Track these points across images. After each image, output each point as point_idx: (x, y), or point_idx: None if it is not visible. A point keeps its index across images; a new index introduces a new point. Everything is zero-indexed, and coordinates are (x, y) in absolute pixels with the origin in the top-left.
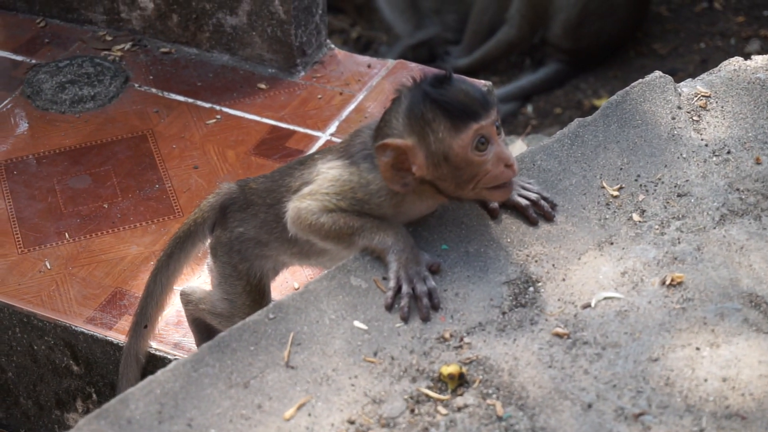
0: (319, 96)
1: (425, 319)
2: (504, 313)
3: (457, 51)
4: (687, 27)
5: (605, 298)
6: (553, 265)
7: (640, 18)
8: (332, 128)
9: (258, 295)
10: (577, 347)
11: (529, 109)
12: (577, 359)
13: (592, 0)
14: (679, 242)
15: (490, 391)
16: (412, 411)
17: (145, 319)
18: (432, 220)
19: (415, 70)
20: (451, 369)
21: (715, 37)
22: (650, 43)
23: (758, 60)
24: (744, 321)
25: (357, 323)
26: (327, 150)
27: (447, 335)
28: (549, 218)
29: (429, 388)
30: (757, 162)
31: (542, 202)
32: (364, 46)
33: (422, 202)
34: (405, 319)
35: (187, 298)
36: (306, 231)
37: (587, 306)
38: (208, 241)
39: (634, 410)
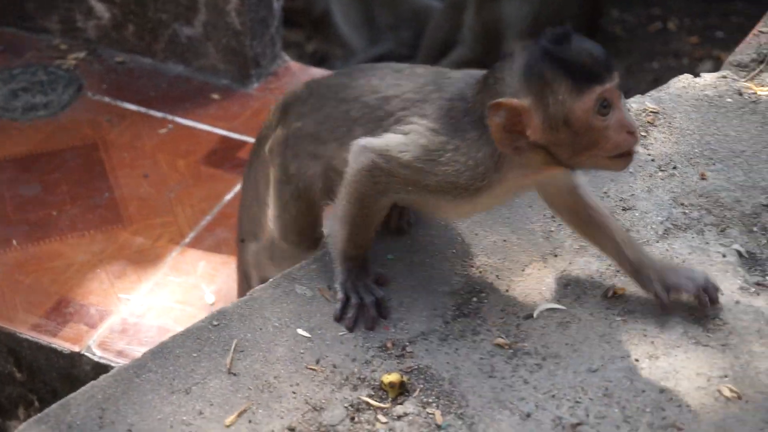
0: (272, 107)
1: (371, 329)
2: (447, 323)
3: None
4: (641, 47)
5: (548, 310)
6: (498, 276)
7: (592, 35)
8: None
9: (305, 207)
10: (518, 357)
11: None
12: (518, 369)
13: (542, 15)
14: None
15: (431, 400)
16: (353, 419)
17: (242, 234)
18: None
19: None
20: (392, 377)
21: (669, 57)
22: None
23: (707, 77)
24: (683, 333)
25: (300, 331)
26: (430, 89)
27: (389, 344)
28: (715, 301)
29: (370, 396)
30: (702, 177)
31: (710, 287)
32: (319, 60)
33: (526, 173)
34: (350, 329)
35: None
36: (346, 184)
37: (529, 317)
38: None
39: (572, 420)
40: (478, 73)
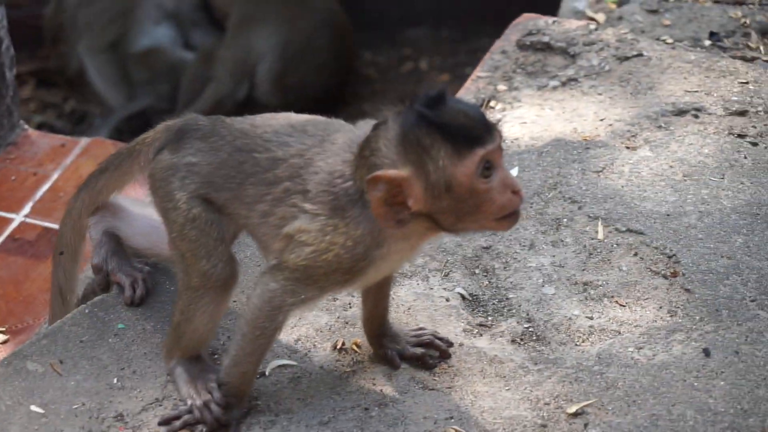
0: (13, 177)
1: None
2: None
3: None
4: (394, 87)
5: (279, 366)
6: (229, 337)
7: (344, 71)
8: (26, 209)
9: (201, 230)
10: (251, 416)
11: None
12: (252, 427)
13: (290, 47)
14: (350, 306)
15: None
16: None
17: (61, 245)
18: (109, 300)
19: (110, 146)
20: None
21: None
22: (360, 104)
23: None
24: (411, 379)
25: (34, 407)
26: (314, 153)
27: (125, 413)
28: (446, 356)
29: None
30: None
31: (437, 342)
32: (78, 119)
33: (409, 243)
34: None
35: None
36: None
37: (262, 375)
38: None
39: None
40: (362, 131)
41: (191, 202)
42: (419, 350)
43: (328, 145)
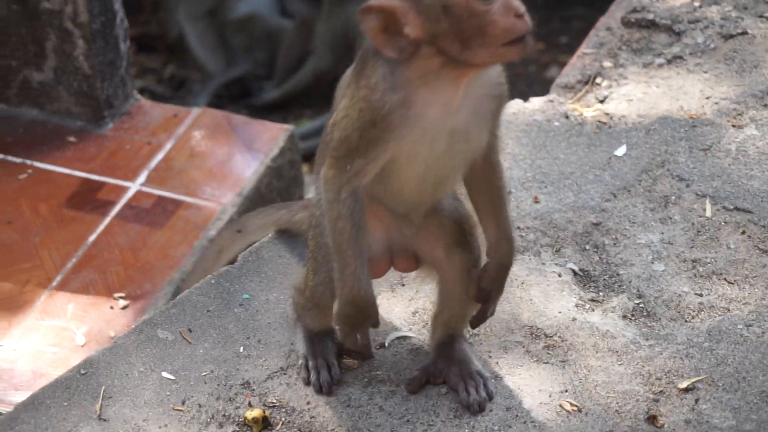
0: (128, 147)
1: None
2: None
3: (270, 86)
4: None
5: (398, 338)
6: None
7: None
8: (142, 178)
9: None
10: (372, 386)
11: None
12: (373, 397)
13: None
14: None
15: None
16: None
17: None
18: (233, 272)
19: (220, 116)
20: (254, 413)
21: (516, 65)
22: None
23: (535, 102)
24: (525, 353)
25: (165, 374)
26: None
27: (251, 381)
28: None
29: None
30: (536, 201)
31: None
32: (177, 85)
33: (436, 93)
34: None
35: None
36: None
37: (382, 346)
38: None
39: None
40: None
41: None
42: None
43: None
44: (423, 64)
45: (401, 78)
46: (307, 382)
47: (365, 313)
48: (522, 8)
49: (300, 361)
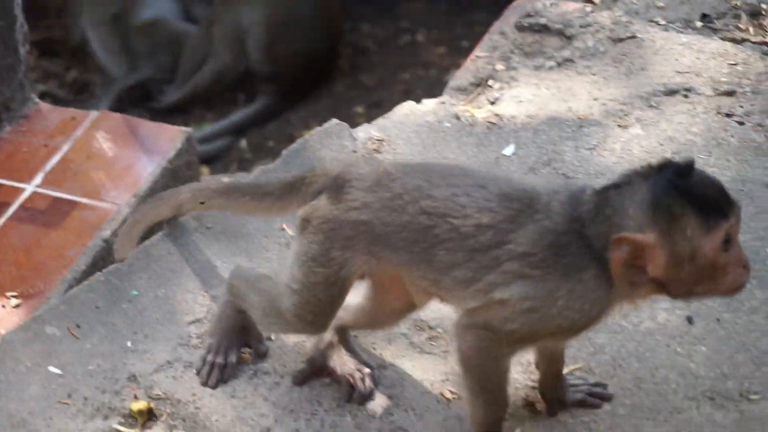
0: (25, 149)
1: None
2: (191, 351)
3: (171, 89)
4: (392, 59)
5: None
6: None
7: (333, 38)
8: (38, 180)
9: (338, 293)
10: (257, 377)
11: (244, 143)
12: (258, 388)
13: (274, 15)
14: None
15: (177, 423)
16: None
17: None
18: (123, 269)
19: (119, 119)
20: (139, 405)
21: (418, 68)
22: (358, 75)
23: (427, 104)
24: (409, 344)
25: (52, 368)
26: (523, 210)
27: (137, 374)
28: (607, 399)
29: (120, 424)
30: None
31: (595, 389)
32: (79, 89)
33: (625, 304)
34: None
35: (234, 282)
36: (464, 365)
37: (268, 338)
38: (300, 209)
39: (309, 431)
40: (560, 187)
41: (347, 264)
42: (579, 396)
43: (541, 206)
44: (640, 290)
45: (615, 295)
46: (198, 371)
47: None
48: (746, 259)
49: (207, 341)
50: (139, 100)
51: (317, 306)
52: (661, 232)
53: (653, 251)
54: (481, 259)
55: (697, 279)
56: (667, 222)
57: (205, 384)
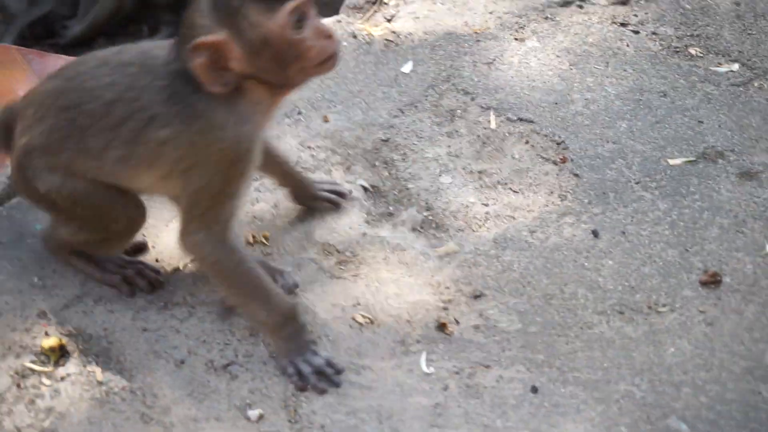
0: None
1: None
2: (100, 285)
3: (74, 23)
4: None
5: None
6: (144, 234)
7: None
8: None
9: (83, 210)
10: (169, 309)
11: None
12: (169, 320)
13: None
14: (257, 201)
15: (90, 359)
16: (18, 386)
17: None
18: (24, 203)
19: (13, 51)
20: (51, 342)
21: None
22: None
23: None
24: (318, 269)
25: None
26: (143, 78)
27: (47, 311)
28: (343, 195)
29: (33, 362)
30: (325, 120)
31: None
32: None
33: (266, 116)
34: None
35: (49, 236)
36: (213, 272)
37: (176, 269)
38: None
39: (223, 361)
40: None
41: (54, 184)
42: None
43: (151, 61)
44: (252, 96)
45: (241, 112)
46: (133, 293)
47: (299, 320)
48: (330, 30)
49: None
50: (41, 37)
51: (88, 222)
52: (229, 28)
53: (229, 46)
54: (125, 135)
55: (282, 61)
56: (231, 16)
57: (151, 290)
